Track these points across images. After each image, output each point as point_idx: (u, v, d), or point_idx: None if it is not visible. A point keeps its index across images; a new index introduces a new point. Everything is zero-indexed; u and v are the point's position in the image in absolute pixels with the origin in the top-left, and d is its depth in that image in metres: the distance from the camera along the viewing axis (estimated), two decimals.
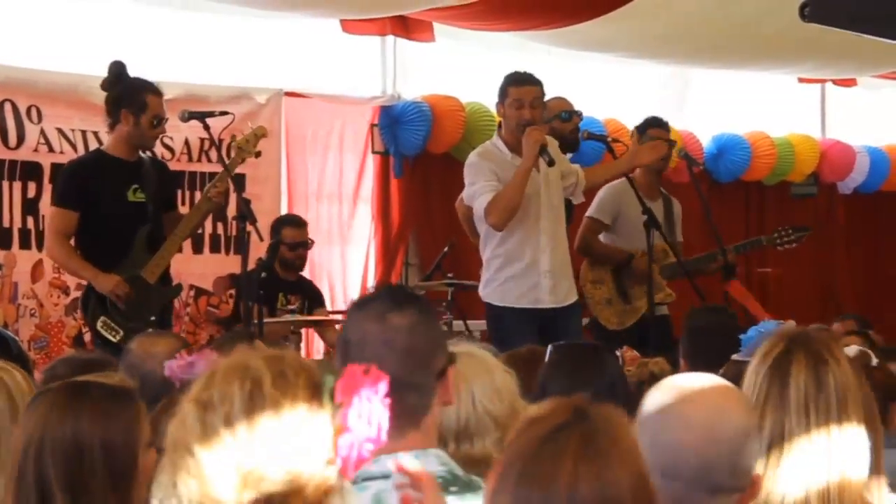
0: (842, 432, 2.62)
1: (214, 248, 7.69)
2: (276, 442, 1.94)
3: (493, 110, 7.48)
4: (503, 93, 6.23)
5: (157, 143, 7.36)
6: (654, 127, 7.22)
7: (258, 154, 6.47)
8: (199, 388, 2.00)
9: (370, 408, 1.93)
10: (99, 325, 6.07)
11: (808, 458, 2.59)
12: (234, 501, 1.94)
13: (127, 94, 6.15)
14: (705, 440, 2.19)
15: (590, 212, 7.18)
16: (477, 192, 6.12)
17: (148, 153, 6.39)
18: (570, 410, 1.86)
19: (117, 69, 6.17)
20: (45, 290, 7.06)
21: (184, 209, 6.67)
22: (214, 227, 7.64)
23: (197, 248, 7.57)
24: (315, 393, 1.98)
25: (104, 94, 6.21)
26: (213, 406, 1.96)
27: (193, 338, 7.33)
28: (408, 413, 2.36)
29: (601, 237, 7.20)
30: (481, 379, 2.94)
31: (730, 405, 2.28)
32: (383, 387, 1.93)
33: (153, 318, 6.11)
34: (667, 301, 7.14)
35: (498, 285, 6.28)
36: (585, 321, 7.18)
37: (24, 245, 7.16)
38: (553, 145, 6.23)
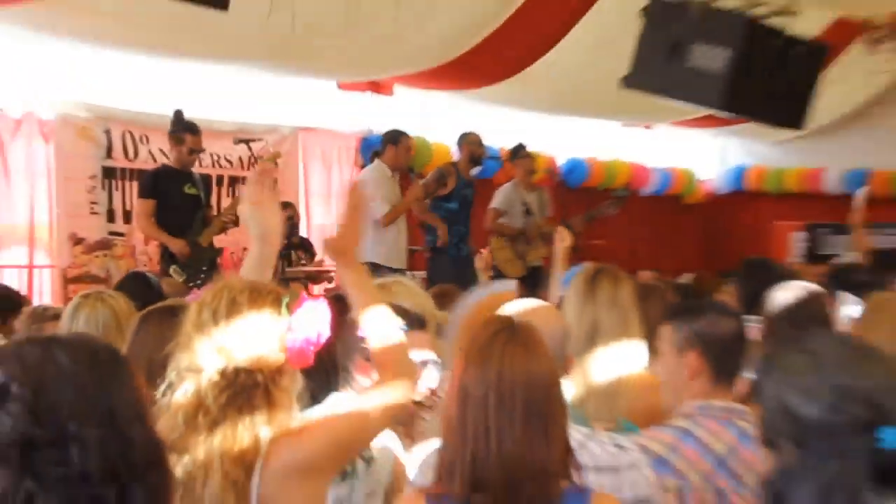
0: (633, 321, 3.21)
1: None
2: (245, 332, 2.13)
3: (430, 144, 9.63)
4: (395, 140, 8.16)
5: (222, 157, 9.08)
6: (521, 151, 9.02)
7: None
8: (203, 295, 2.20)
9: (312, 317, 2.11)
10: (171, 270, 7.18)
11: (615, 337, 3.13)
12: (209, 367, 2.14)
13: (175, 133, 7.22)
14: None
15: (493, 204, 9.03)
16: (380, 200, 7.93)
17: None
18: (501, 322, 2.16)
19: (176, 115, 7.35)
20: (152, 250, 8.33)
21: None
22: None
23: None
24: (278, 305, 2.17)
25: None
26: (206, 306, 2.18)
27: None
28: None
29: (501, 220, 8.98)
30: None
31: (547, 314, 2.60)
32: (323, 303, 2.11)
33: (204, 268, 7.27)
34: (541, 258, 8.88)
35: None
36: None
37: None
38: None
